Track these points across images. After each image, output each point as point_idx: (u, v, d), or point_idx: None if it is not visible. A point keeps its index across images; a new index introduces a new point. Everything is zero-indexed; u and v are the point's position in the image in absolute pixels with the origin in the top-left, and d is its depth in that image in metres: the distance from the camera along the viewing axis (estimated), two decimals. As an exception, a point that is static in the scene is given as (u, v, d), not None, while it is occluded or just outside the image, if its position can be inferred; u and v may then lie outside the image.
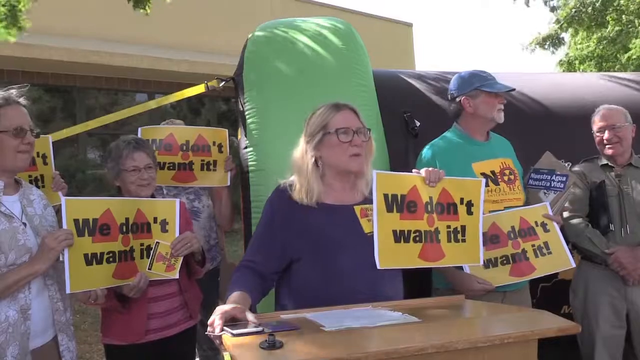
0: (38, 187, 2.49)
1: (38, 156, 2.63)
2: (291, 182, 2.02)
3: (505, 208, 2.53)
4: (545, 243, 2.46)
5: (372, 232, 1.94)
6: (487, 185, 2.53)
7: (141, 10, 5.39)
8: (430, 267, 2.06)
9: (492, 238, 2.43)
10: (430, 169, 2.10)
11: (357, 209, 1.99)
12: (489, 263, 2.41)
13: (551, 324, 1.50)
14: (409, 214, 2.01)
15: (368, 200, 1.99)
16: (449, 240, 2.08)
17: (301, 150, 2.02)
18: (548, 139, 3.15)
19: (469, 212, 2.12)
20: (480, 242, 2.14)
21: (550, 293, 3.01)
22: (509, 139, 2.78)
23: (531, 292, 2.69)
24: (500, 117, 2.59)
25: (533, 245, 2.45)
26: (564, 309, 3.12)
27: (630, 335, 2.83)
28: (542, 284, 2.97)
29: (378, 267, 1.90)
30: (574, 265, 2.48)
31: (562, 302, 3.09)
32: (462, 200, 2.12)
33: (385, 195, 1.97)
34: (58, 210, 2.17)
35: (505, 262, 2.43)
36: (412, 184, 2.04)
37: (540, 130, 3.25)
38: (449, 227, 2.09)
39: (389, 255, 1.94)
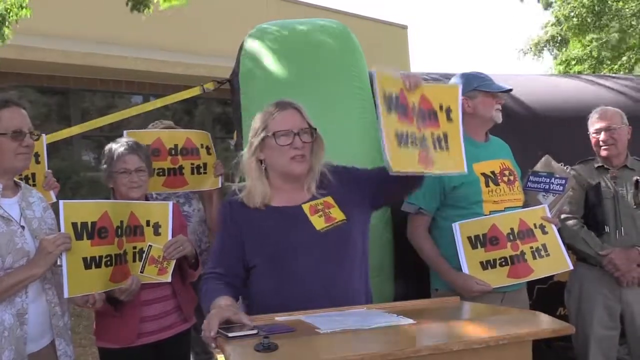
0: (29, 185, 2.49)
1: None
2: (241, 187, 1.98)
3: (506, 209, 2.53)
4: (544, 245, 2.46)
5: (325, 227, 1.89)
6: (488, 185, 2.56)
7: (141, 13, 5.35)
8: (426, 173, 1.96)
9: (491, 240, 2.43)
10: (410, 74, 1.96)
11: (306, 207, 1.93)
12: (487, 264, 2.42)
13: (545, 325, 1.50)
14: (404, 116, 1.92)
15: (315, 197, 1.94)
16: (434, 148, 1.97)
17: (247, 151, 1.98)
18: (545, 141, 3.17)
19: (449, 119, 2.01)
20: (463, 148, 2.03)
21: (546, 295, 3.02)
22: (506, 141, 2.78)
23: (527, 294, 2.70)
24: (499, 117, 2.60)
25: (531, 247, 2.45)
26: (560, 311, 3.13)
27: (624, 336, 2.84)
28: (538, 286, 2.98)
29: (391, 172, 1.79)
30: (571, 267, 2.50)
31: (557, 304, 3.10)
32: (441, 106, 2.01)
33: (384, 93, 1.87)
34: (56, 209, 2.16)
35: (503, 263, 2.43)
36: (400, 86, 1.94)
37: (535, 132, 3.26)
38: (432, 134, 1.98)
39: (397, 159, 1.85)
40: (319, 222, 1.91)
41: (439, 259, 2.53)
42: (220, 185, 3.13)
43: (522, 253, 2.44)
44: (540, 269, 2.46)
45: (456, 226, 2.44)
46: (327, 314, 1.69)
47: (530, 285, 2.71)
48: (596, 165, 2.93)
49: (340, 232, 1.91)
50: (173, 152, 3.01)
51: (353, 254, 1.95)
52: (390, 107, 1.89)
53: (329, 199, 1.96)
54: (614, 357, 2.84)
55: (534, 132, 3.27)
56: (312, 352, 1.36)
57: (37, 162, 2.67)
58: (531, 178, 2.67)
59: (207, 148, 3.10)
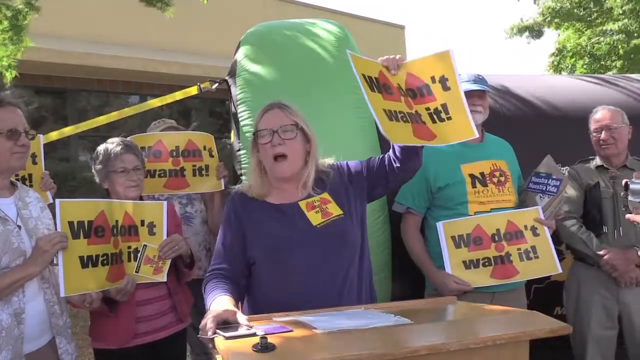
0: (25, 186, 2.47)
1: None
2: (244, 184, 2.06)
3: (492, 210, 2.54)
4: (533, 247, 2.47)
5: (321, 223, 1.92)
6: (474, 186, 2.55)
7: (163, 12, 5.31)
8: (427, 145, 1.97)
9: (475, 240, 2.46)
10: (388, 57, 1.93)
11: (303, 204, 1.97)
12: (470, 264, 2.45)
13: (543, 325, 1.50)
14: (388, 95, 1.93)
15: (312, 194, 1.98)
16: (433, 122, 1.95)
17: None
18: (545, 141, 3.16)
19: (446, 88, 1.91)
20: (468, 113, 1.93)
21: (543, 294, 3.02)
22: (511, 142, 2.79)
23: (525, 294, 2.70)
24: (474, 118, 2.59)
25: (519, 249, 2.47)
26: (557, 310, 3.13)
27: (622, 336, 2.84)
28: (535, 285, 2.98)
29: (394, 143, 1.85)
30: (560, 270, 2.51)
31: (554, 304, 3.11)
32: (433, 78, 1.92)
33: (364, 76, 1.90)
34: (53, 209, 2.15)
35: (487, 263, 2.45)
36: (379, 69, 1.93)
37: (536, 133, 3.26)
38: (428, 109, 1.93)
39: (393, 133, 1.88)
40: (315, 218, 1.94)
41: (425, 258, 2.59)
42: (222, 188, 3.11)
43: (507, 254, 2.45)
44: (527, 271, 2.47)
45: (440, 225, 2.48)
46: (324, 314, 1.69)
47: (528, 284, 2.72)
48: (596, 165, 2.93)
49: (337, 226, 1.94)
50: (174, 153, 3.00)
51: (351, 247, 1.97)
52: (372, 87, 1.90)
53: (326, 195, 1.99)
54: (611, 357, 2.84)
55: (537, 132, 3.28)
56: (309, 352, 1.35)
57: (34, 162, 2.66)
58: (532, 179, 2.67)
59: (210, 150, 3.09)
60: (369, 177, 2.04)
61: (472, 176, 2.57)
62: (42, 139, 2.73)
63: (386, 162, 2.03)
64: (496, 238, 2.46)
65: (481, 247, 2.45)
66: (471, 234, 2.45)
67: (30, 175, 2.64)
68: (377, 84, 1.92)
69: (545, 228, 2.51)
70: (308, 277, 1.88)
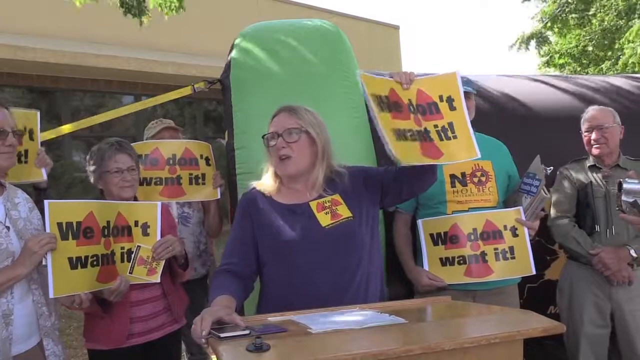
0: (20, 162, 2.43)
1: (25, 130, 2.54)
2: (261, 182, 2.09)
3: (470, 209, 2.57)
4: (511, 248, 2.48)
5: (330, 224, 1.94)
6: (453, 186, 2.58)
7: (137, 19, 5.37)
8: (434, 163, 1.97)
9: (451, 238, 2.49)
10: (402, 71, 2.02)
11: (313, 204, 1.99)
12: (446, 261, 2.49)
13: (536, 324, 1.50)
14: (397, 113, 1.96)
15: (323, 195, 2.01)
16: (440, 139, 1.99)
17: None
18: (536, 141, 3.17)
19: (452, 108, 2.00)
20: (472, 134, 1.99)
21: (536, 293, 3.03)
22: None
23: (518, 293, 2.71)
24: None
25: (496, 249, 2.47)
26: (551, 309, 3.15)
27: (614, 334, 2.86)
28: (529, 285, 2.99)
29: (400, 165, 1.86)
30: (534, 272, 2.50)
31: (548, 303, 3.11)
32: (441, 97, 2.00)
33: (373, 95, 1.92)
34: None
35: (461, 262, 2.48)
36: (390, 86, 1.98)
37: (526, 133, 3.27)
38: (436, 126, 1.99)
39: (402, 153, 1.88)
40: (325, 219, 1.96)
41: (404, 253, 2.66)
42: (219, 197, 3.12)
43: (483, 253, 2.47)
44: (501, 271, 2.48)
45: (420, 223, 2.55)
46: (319, 314, 1.69)
47: (521, 284, 2.73)
48: (588, 165, 2.94)
49: (345, 228, 1.96)
50: (171, 161, 3.00)
51: (359, 250, 1.98)
52: (382, 107, 1.92)
53: (337, 197, 2.01)
54: (604, 355, 2.85)
55: (529, 132, 3.29)
56: (304, 352, 1.35)
57: (31, 138, 2.60)
58: (524, 179, 2.68)
59: (207, 159, 3.09)
60: (383, 185, 2.06)
61: (452, 176, 2.61)
62: (39, 115, 2.67)
63: (399, 177, 2.03)
64: (472, 237, 2.48)
65: (457, 245, 2.48)
66: (448, 232, 2.49)
67: (26, 151, 2.57)
68: (387, 103, 1.95)
69: (525, 229, 2.51)
70: (314, 277, 1.90)
